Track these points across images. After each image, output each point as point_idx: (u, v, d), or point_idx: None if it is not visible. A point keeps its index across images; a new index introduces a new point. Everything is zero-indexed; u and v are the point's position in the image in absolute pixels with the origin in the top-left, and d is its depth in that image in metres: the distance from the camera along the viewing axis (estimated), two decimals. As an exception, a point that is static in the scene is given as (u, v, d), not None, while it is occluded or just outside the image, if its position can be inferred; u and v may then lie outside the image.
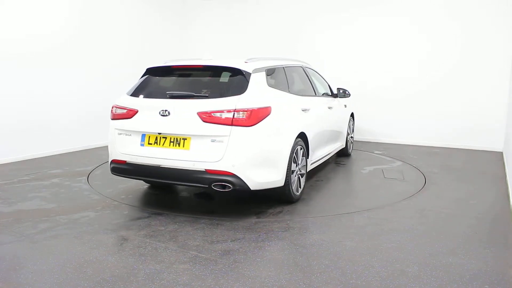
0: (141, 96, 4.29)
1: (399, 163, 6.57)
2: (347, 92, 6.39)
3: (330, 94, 6.16)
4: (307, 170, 4.83)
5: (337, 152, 6.84)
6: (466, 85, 7.71)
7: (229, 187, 3.79)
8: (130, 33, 8.44)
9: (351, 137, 7.15)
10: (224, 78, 4.21)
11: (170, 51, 9.37)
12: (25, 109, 6.51)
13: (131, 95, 4.36)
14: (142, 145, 4.07)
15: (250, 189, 3.85)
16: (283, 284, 2.72)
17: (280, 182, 4.11)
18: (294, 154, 4.30)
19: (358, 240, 3.46)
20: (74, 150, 7.30)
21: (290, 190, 4.25)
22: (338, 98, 6.32)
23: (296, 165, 4.39)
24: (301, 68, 5.52)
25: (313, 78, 5.73)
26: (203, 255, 3.16)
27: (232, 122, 3.75)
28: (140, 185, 5.14)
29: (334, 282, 2.76)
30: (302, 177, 4.59)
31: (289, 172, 4.19)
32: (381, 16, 8.29)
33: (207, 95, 3.99)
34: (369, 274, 2.86)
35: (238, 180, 3.76)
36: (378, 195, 4.89)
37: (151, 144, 4.03)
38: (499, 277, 2.84)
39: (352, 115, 7.12)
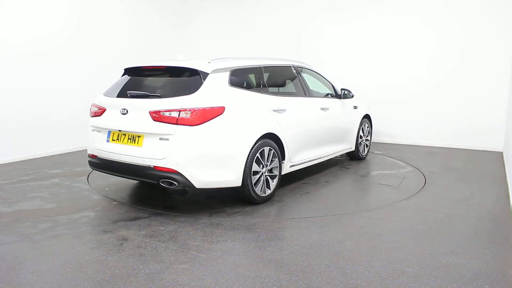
0: (111, 95, 4.50)
1: (408, 168, 6.55)
2: (350, 93, 6.31)
3: (335, 95, 6.07)
4: (283, 172, 4.76)
5: (348, 155, 6.77)
6: (466, 85, 7.71)
7: (175, 184, 3.90)
8: (130, 33, 8.44)
9: (367, 140, 6.90)
10: (182, 78, 4.30)
11: (170, 51, 9.36)
12: (25, 109, 6.52)
13: (105, 95, 4.58)
14: (107, 141, 4.33)
15: (195, 187, 3.93)
16: (283, 284, 2.72)
17: (236, 182, 4.11)
18: (259, 155, 4.28)
19: (358, 240, 3.46)
20: (74, 150, 7.30)
21: (250, 191, 4.23)
22: (343, 99, 6.18)
23: (263, 166, 4.37)
24: (291, 68, 5.45)
25: (306, 78, 5.63)
26: (203, 255, 3.16)
27: (177, 121, 3.84)
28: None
29: (334, 282, 2.76)
30: (273, 179, 4.54)
31: (248, 172, 4.17)
32: (380, 17, 8.29)
33: (160, 94, 4.12)
34: (369, 274, 2.86)
35: (182, 178, 3.86)
36: (360, 200, 4.86)
37: (114, 140, 4.28)
38: (499, 277, 2.84)
39: (367, 117, 6.84)
